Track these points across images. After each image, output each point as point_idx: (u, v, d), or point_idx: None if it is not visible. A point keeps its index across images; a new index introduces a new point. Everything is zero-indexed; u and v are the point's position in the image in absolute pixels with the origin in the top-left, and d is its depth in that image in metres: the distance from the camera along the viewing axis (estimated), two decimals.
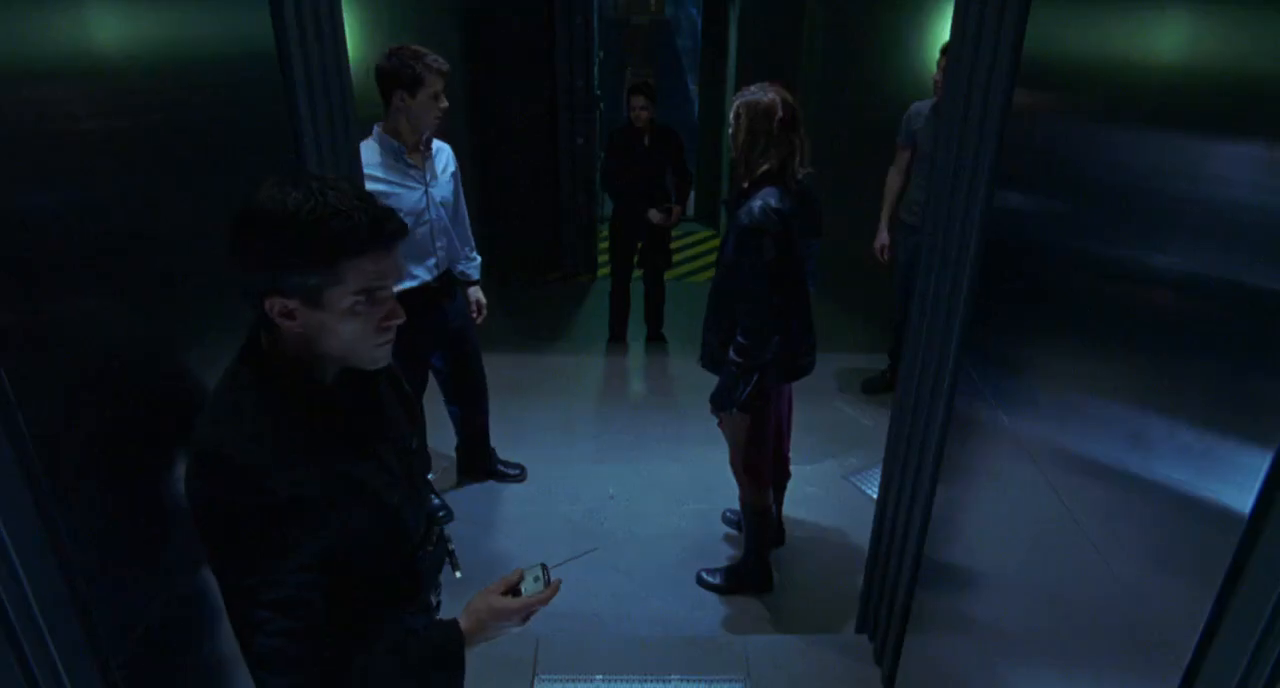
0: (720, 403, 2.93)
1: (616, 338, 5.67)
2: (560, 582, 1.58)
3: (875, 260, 4.63)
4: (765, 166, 2.66)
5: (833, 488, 4.01)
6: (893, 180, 4.53)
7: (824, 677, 2.85)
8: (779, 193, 2.64)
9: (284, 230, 1.17)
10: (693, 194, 6.74)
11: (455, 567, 1.72)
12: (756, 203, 2.62)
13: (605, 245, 5.99)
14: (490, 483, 3.99)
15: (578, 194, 6.66)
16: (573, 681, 2.83)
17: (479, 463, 3.97)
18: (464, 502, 3.84)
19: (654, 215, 5.11)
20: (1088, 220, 1.54)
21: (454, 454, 4.01)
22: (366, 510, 1.35)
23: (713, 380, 2.96)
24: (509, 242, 6.36)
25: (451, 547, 1.70)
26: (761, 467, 3.12)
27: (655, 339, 5.70)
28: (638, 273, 5.46)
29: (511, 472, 4.02)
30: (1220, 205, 1.14)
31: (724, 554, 3.56)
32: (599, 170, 5.58)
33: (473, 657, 1.46)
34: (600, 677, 2.84)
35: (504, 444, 4.08)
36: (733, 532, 3.69)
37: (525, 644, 2.92)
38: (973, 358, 2.18)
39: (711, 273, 7.43)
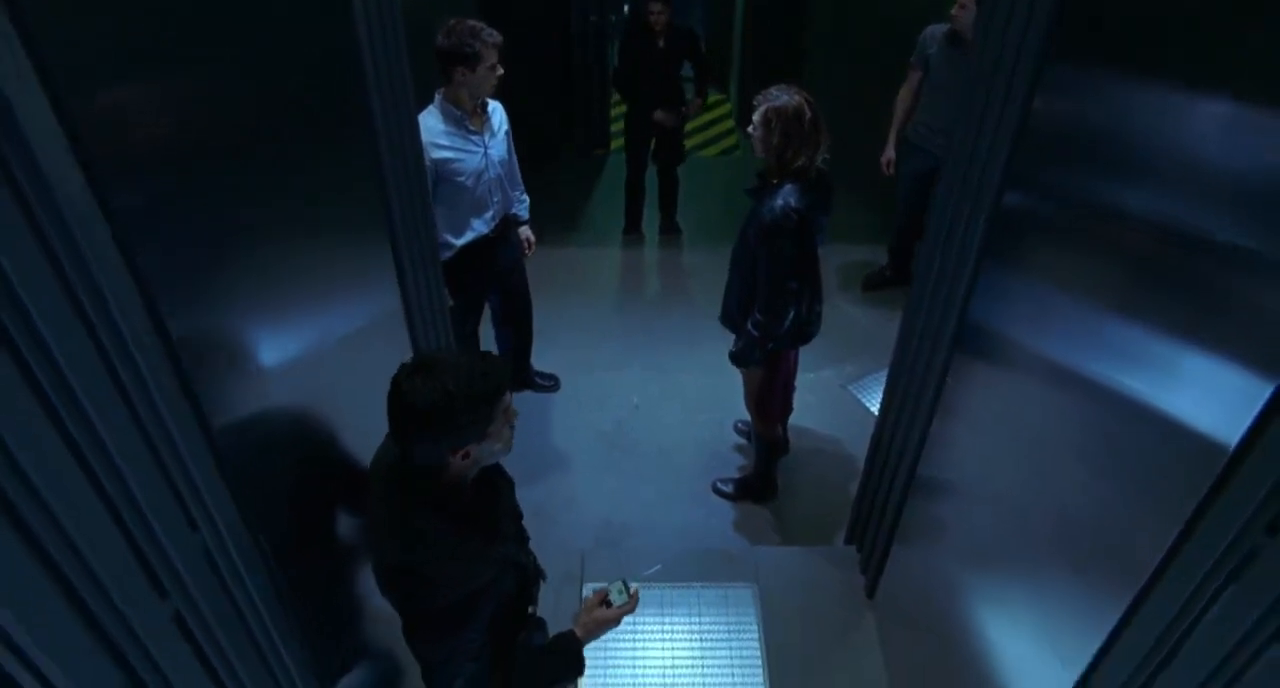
0: (739, 362, 3.38)
1: (632, 228, 5.97)
2: (639, 590, 2.12)
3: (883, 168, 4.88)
4: (797, 164, 2.93)
5: (832, 398, 4.53)
6: (903, 98, 4.69)
7: (818, 584, 3.50)
8: (799, 190, 2.93)
9: (457, 410, 1.59)
10: None
11: (543, 576, 2.26)
12: (779, 202, 2.92)
13: (619, 112, 6.09)
14: (527, 393, 4.50)
15: (590, 65, 6.68)
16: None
17: (519, 378, 4.46)
18: None
19: (663, 117, 5.28)
20: (1113, 147, 1.62)
21: None
22: (512, 577, 1.86)
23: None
24: (521, 115, 6.46)
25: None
26: (772, 407, 3.61)
27: (669, 230, 6.00)
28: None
29: (547, 383, 4.52)
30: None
31: (735, 464, 4.13)
32: (612, 73, 5.64)
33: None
34: (636, 584, 3.47)
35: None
36: (743, 442, 4.24)
37: (573, 559, 3.54)
38: (985, 279, 2.29)
39: (723, 146, 7.61)
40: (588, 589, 3.43)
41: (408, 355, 2.70)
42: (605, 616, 2.02)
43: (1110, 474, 1.60)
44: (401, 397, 1.60)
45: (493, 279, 3.85)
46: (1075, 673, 1.67)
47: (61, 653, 0.94)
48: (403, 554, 1.70)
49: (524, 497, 2.17)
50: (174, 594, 1.14)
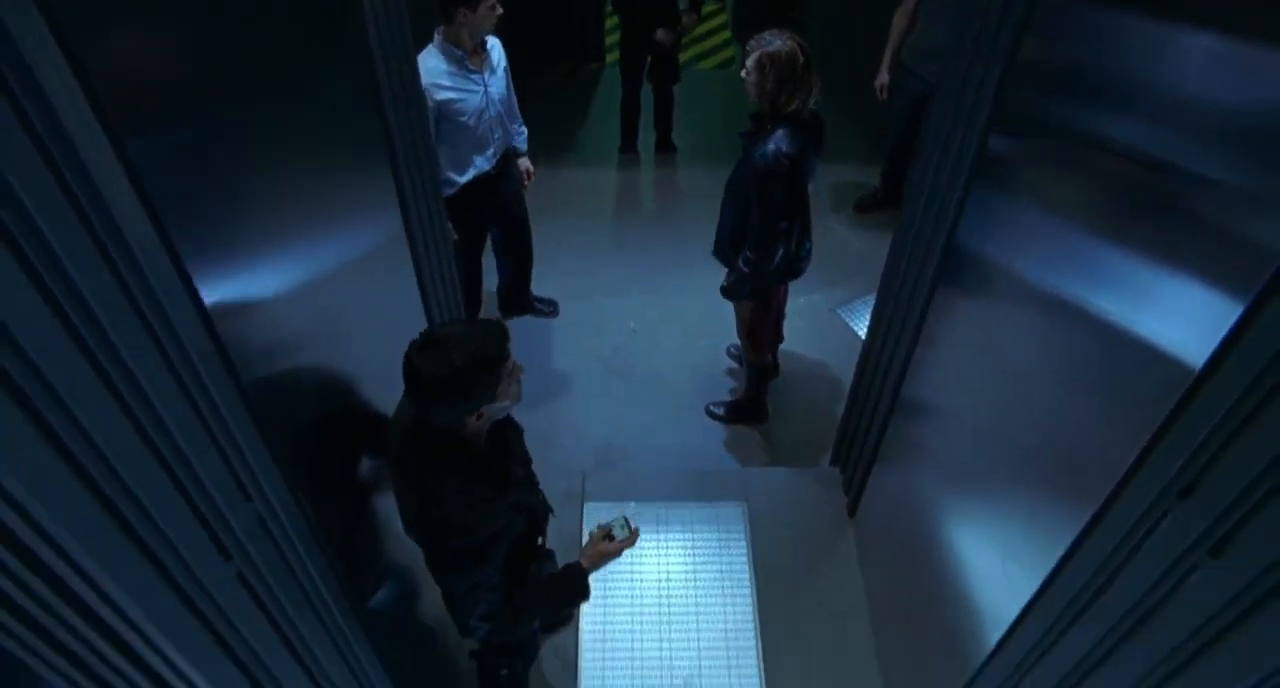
0: (729, 296, 3.53)
1: (628, 148, 6.00)
2: (639, 530, 2.33)
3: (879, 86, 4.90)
4: (790, 108, 3.01)
5: (822, 322, 4.70)
6: (898, 22, 4.68)
7: (803, 503, 3.74)
8: (790, 134, 3.02)
9: (472, 376, 1.76)
10: None
11: (551, 512, 2.47)
12: (770, 147, 3.02)
13: (613, 23, 6.04)
14: (527, 319, 4.66)
15: None
16: (614, 504, 3.71)
17: (519, 304, 4.61)
18: None
19: (662, 36, 5.26)
20: (1099, 78, 1.70)
21: (495, 293, 4.62)
22: (524, 518, 2.07)
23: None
24: (515, 28, 6.39)
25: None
26: (763, 337, 3.79)
27: (665, 149, 6.03)
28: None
29: (546, 309, 4.68)
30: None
31: (727, 387, 4.34)
32: None
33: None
34: (634, 503, 3.72)
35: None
36: (735, 366, 4.43)
37: (574, 481, 3.77)
38: (975, 198, 2.36)
39: (719, 58, 7.52)
40: (588, 508, 3.68)
41: (413, 287, 2.87)
42: (608, 549, 2.24)
43: (1082, 394, 1.72)
44: (415, 372, 1.76)
45: (494, 213, 3.96)
46: (1036, 582, 1.85)
47: (157, 613, 1.13)
48: (425, 508, 1.90)
49: (527, 421, 2.36)
50: (236, 556, 1.33)
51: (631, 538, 2.31)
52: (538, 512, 2.22)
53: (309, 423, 1.94)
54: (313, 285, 1.95)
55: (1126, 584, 1.56)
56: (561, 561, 2.43)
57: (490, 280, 4.55)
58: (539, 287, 4.68)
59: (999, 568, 2.21)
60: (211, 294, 1.30)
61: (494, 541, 1.94)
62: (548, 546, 2.40)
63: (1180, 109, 1.46)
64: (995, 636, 2.09)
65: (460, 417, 1.84)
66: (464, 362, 1.74)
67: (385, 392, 2.17)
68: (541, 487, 2.39)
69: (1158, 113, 1.52)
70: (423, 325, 2.95)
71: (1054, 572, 1.80)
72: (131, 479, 1.07)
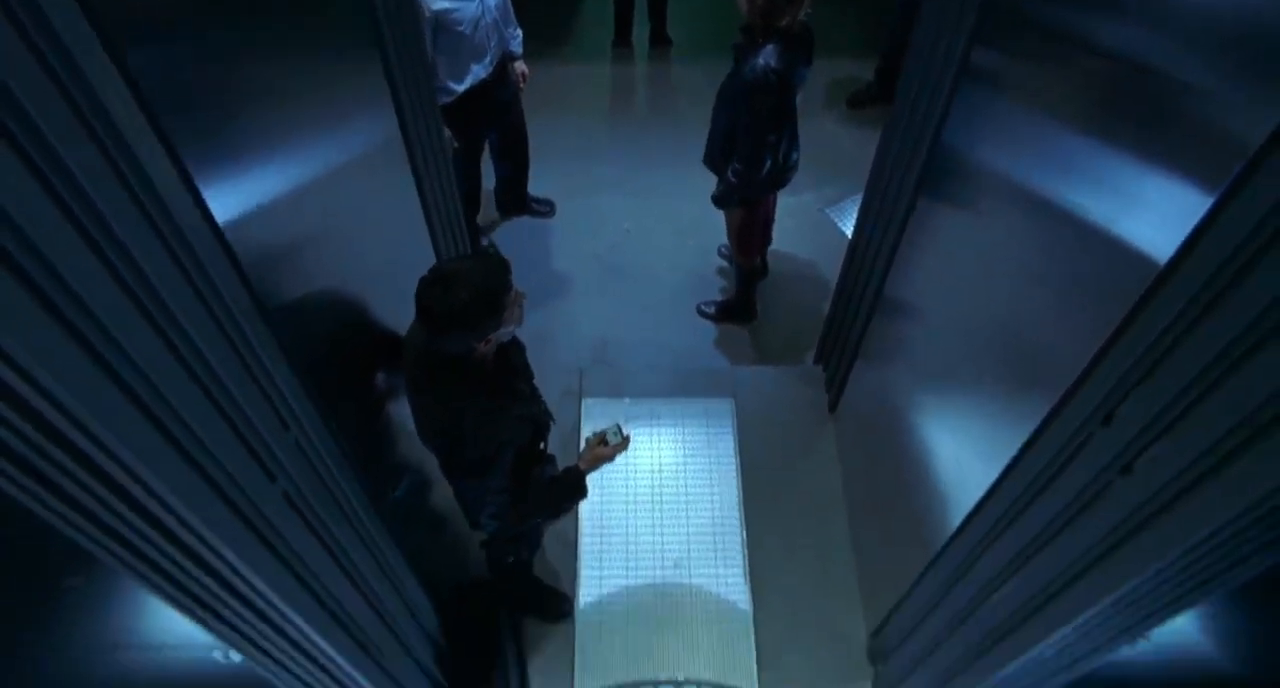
0: (719, 204, 3.66)
1: (622, 41, 5.94)
2: (630, 435, 2.54)
3: None
4: (781, 23, 3.06)
5: (811, 222, 4.82)
6: None
7: (787, 400, 3.98)
8: (779, 50, 3.08)
9: (478, 308, 1.93)
10: None
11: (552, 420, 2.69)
12: (760, 62, 3.08)
13: None
14: (525, 219, 4.77)
15: None
16: (610, 400, 3.95)
17: (517, 204, 4.71)
18: (505, 239, 4.66)
19: None
20: None
21: (493, 194, 4.72)
22: (528, 428, 2.29)
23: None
24: None
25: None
26: (752, 243, 3.93)
27: (660, 42, 5.97)
28: None
29: (543, 209, 4.78)
30: None
31: (718, 287, 4.50)
32: None
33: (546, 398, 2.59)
34: (629, 399, 3.96)
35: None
36: (726, 265, 4.59)
37: (572, 377, 3.99)
38: (962, 97, 2.42)
39: None
40: (585, 404, 3.91)
41: (413, 192, 2.99)
42: (603, 453, 2.46)
43: (1049, 293, 1.83)
44: (426, 306, 1.93)
45: (492, 118, 4.03)
46: (995, 472, 2.04)
47: (216, 525, 1.34)
48: (440, 423, 2.11)
49: (527, 320, 2.47)
50: (280, 478, 1.54)
51: (624, 443, 2.53)
52: (540, 422, 2.43)
53: (330, 345, 2.13)
54: (315, 190, 2.10)
55: (1056, 493, 1.79)
56: (562, 459, 2.66)
57: (488, 182, 4.64)
58: (535, 186, 4.78)
59: (965, 459, 2.44)
60: (223, 209, 1.43)
61: (501, 450, 2.15)
62: (549, 450, 2.62)
63: (1161, 9, 1.50)
64: (956, 520, 2.32)
65: (469, 344, 2.02)
66: (470, 296, 1.91)
67: (392, 303, 2.35)
68: (541, 384, 2.59)
69: (1138, 13, 1.57)
70: (424, 235, 3.11)
71: (1007, 467, 2.00)
72: (190, 417, 1.25)
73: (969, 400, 2.48)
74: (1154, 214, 1.49)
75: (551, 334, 4.24)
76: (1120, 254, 1.56)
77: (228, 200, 1.53)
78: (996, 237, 2.22)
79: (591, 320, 4.34)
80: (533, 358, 2.56)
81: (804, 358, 4.18)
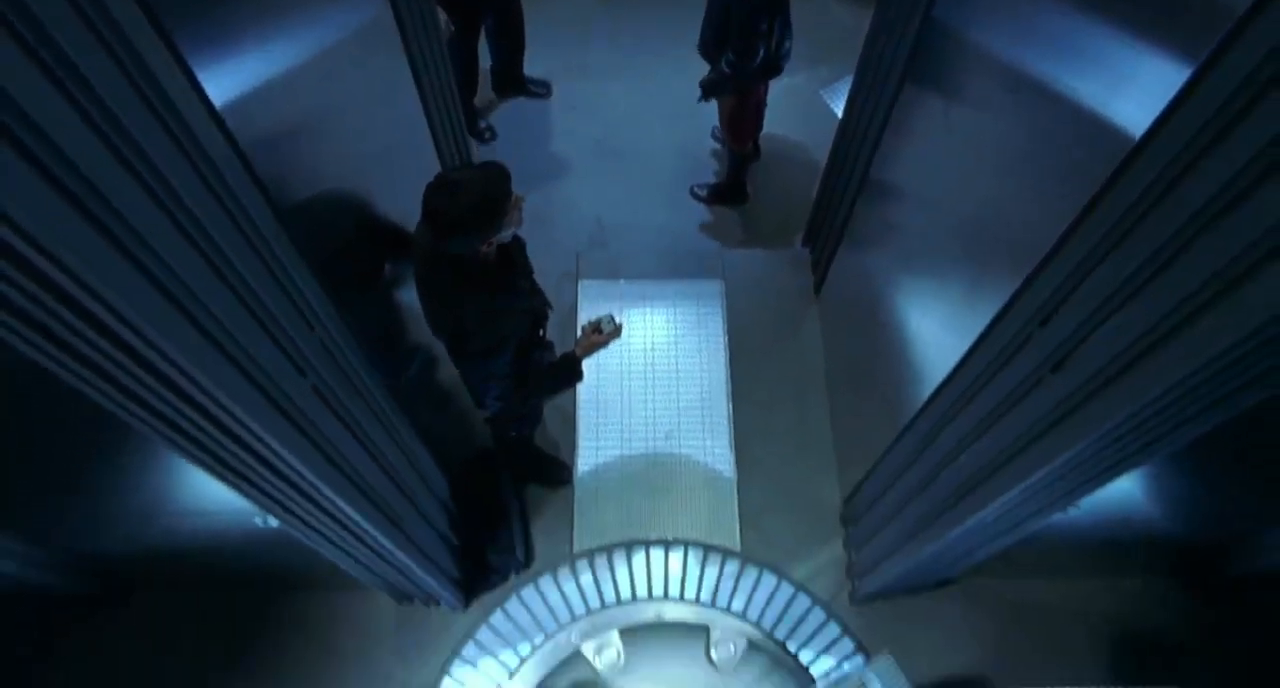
0: (710, 93, 3.73)
1: None
2: (623, 324, 2.73)
3: None
4: None
5: (804, 104, 4.85)
6: None
7: (774, 281, 4.16)
8: None
9: (480, 215, 2.11)
10: None
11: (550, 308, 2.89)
12: None
13: None
14: (521, 100, 4.81)
15: None
16: (606, 282, 4.14)
17: (513, 85, 4.74)
18: (503, 122, 4.72)
19: None
20: None
21: (490, 73, 4.74)
22: (528, 320, 2.49)
23: None
24: None
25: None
26: (745, 129, 4.02)
27: None
28: None
29: (539, 90, 4.81)
30: None
31: (711, 170, 4.60)
32: None
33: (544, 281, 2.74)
34: (624, 280, 4.14)
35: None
36: (719, 147, 4.66)
37: (569, 259, 4.17)
38: None
39: None
40: (582, 286, 4.10)
41: (408, 78, 3.06)
42: (598, 340, 2.67)
43: (1033, 175, 1.91)
44: (431, 211, 2.09)
45: (488, 6, 4.03)
46: (966, 343, 2.20)
47: (261, 418, 1.57)
48: (448, 318, 2.30)
49: (526, 201, 2.62)
50: (309, 373, 1.75)
51: (617, 331, 2.72)
52: (539, 313, 2.62)
53: (340, 238, 2.30)
54: (311, 81, 2.20)
55: (1001, 384, 2.01)
56: (560, 342, 2.86)
57: (484, 64, 4.65)
58: (531, 67, 4.79)
59: (937, 338, 2.62)
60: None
61: (504, 341, 2.36)
62: (548, 337, 2.83)
63: None
64: (925, 395, 2.53)
65: (472, 246, 2.19)
66: (473, 204, 2.07)
67: (394, 192, 2.49)
68: (540, 266, 2.75)
69: None
70: (422, 122, 3.19)
71: (968, 351, 2.19)
72: (231, 325, 1.45)
73: (945, 282, 2.65)
74: (1140, 92, 1.50)
75: (550, 216, 4.37)
76: (1101, 134, 1.59)
77: (228, 95, 1.63)
78: (982, 118, 2.29)
79: (587, 202, 4.46)
80: (532, 240, 2.69)
81: (793, 241, 4.32)
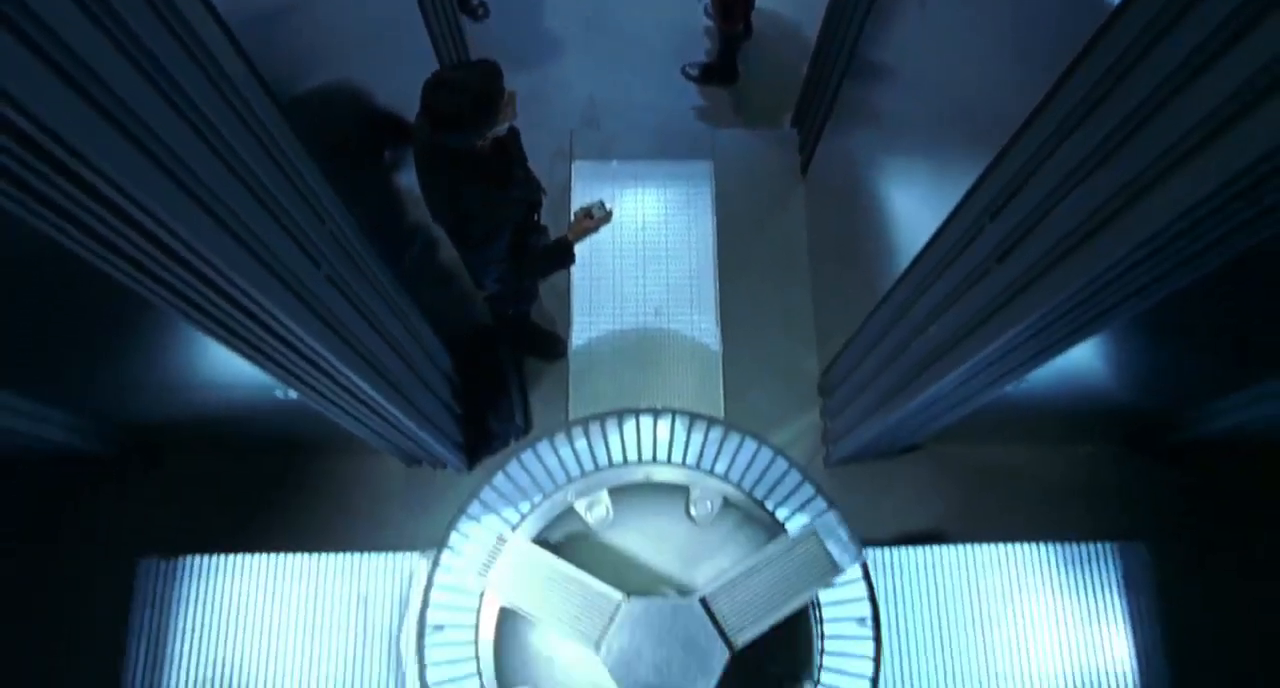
0: None
1: None
2: (613, 210, 2.87)
3: None
4: None
5: None
6: None
7: (762, 162, 4.26)
8: None
9: (475, 112, 2.23)
10: None
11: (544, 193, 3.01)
12: None
13: None
14: None
15: None
16: (598, 163, 4.24)
17: None
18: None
19: None
20: None
21: None
22: (523, 207, 2.64)
23: None
24: None
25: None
26: (736, 8, 4.03)
27: None
28: None
29: None
30: None
31: (702, 48, 4.61)
32: None
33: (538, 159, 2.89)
34: (616, 161, 4.24)
35: None
36: (711, 24, 4.65)
37: (563, 138, 4.24)
38: None
39: None
40: (575, 166, 4.20)
41: None
42: (589, 225, 2.81)
43: (1000, 53, 1.98)
44: (428, 107, 2.20)
45: None
46: (940, 218, 2.33)
47: (283, 305, 1.75)
48: (448, 206, 2.45)
49: (519, 82, 2.71)
50: (323, 264, 1.92)
51: (608, 216, 2.86)
52: (534, 199, 2.76)
53: (341, 127, 2.41)
54: None
55: (957, 268, 2.19)
56: (554, 227, 3.01)
57: None
58: None
59: (913, 216, 2.74)
60: None
61: (501, 227, 2.51)
62: (542, 222, 2.98)
63: None
64: (902, 266, 2.69)
65: (469, 141, 2.31)
66: (468, 102, 2.18)
67: (388, 79, 2.57)
68: (533, 145, 2.86)
69: None
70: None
71: (936, 232, 2.36)
72: (251, 222, 1.61)
73: (923, 162, 2.76)
74: None
75: (544, 94, 4.41)
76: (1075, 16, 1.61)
77: None
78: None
79: (580, 79, 4.49)
80: (525, 117, 2.75)
81: (782, 121, 4.39)
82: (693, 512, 2.38)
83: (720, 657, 1.89)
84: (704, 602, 1.94)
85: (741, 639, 1.93)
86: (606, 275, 3.98)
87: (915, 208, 2.80)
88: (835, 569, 2.04)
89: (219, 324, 1.65)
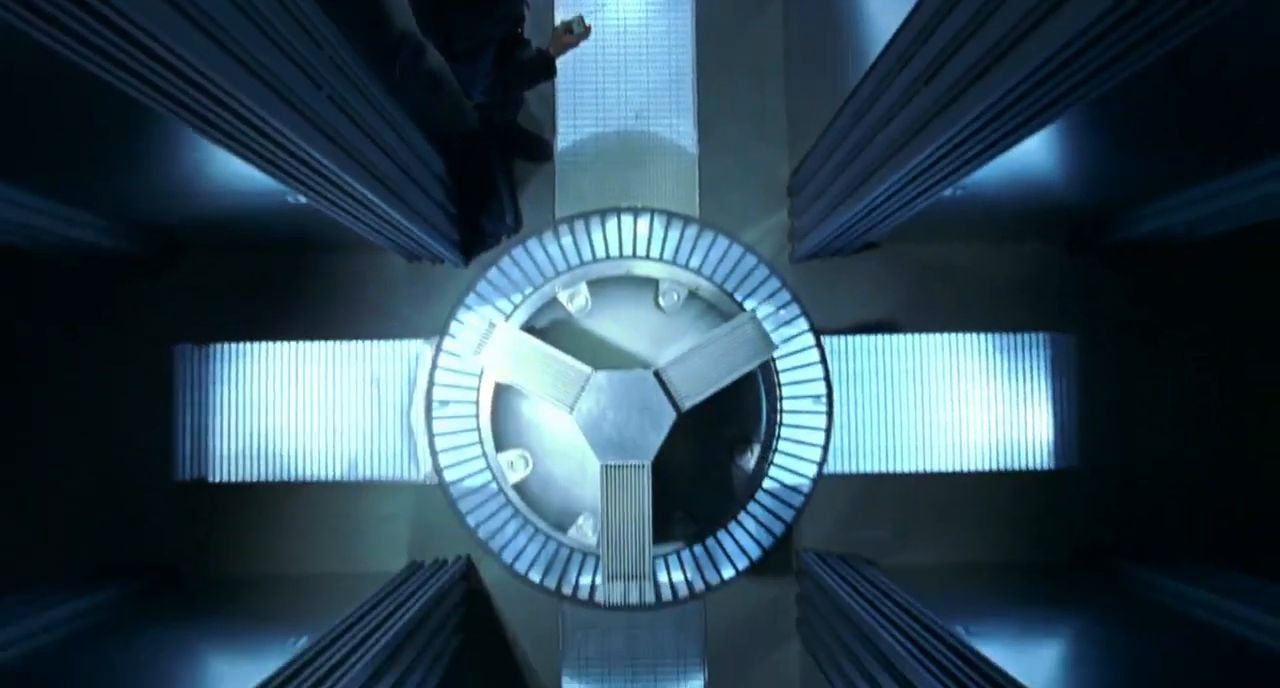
0: None
1: None
2: (592, 26, 3.02)
3: None
4: None
5: None
6: None
7: None
8: None
9: None
10: None
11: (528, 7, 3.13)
12: None
13: None
14: None
15: None
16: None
17: None
18: None
19: None
20: None
21: None
22: (508, 24, 2.81)
23: None
24: None
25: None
26: None
27: None
28: None
29: None
30: None
31: None
32: None
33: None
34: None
35: None
36: None
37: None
38: None
39: None
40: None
41: None
42: (568, 41, 2.97)
43: None
44: None
45: None
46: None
47: (290, 124, 2.00)
48: (434, 21, 2.61)
49: None
50: (324, 86, 2.14)
51: (586, 31, 3.01)
52: (517, 14, 2.90)
53: None
54: None
55: (907, 72, 2.40)
56: (537, 39, 3.16)
57: None
58: None
59: (883, 18, 2.86)
60: None
61: (489, 41, 2.69)
62: (526, 35, 3.12)
63: None
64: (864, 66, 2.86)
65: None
66: None
67: None
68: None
69: None
70: None
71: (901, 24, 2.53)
72: (255, 50, 1.83)
73: None
74: None
75: None
76: None
77: None
78: None
79: None
80: None
81: None
82: (661, 302, 2.73)
83: (669, 417, 2.31)
84: (657, 374, 2.33)
85: (688, 404, 2.34)
86: (589, 80, 4.12)
87: (885, 9, 2.91)
88: (770, 348, 2.41)
89: (233, 139, 1.91)
